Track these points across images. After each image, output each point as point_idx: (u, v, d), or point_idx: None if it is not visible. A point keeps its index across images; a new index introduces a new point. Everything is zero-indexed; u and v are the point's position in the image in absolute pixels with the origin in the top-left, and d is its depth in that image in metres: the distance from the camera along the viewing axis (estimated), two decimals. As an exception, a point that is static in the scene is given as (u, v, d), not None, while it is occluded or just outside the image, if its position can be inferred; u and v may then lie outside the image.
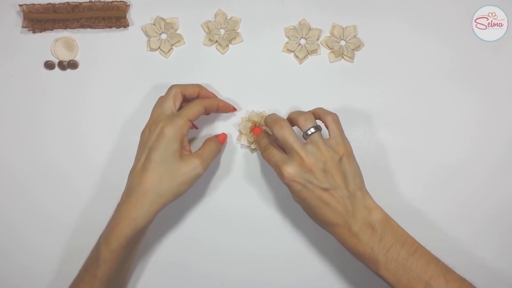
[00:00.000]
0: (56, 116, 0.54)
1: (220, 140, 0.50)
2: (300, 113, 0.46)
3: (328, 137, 0.45)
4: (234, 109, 0.53)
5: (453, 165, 0.53)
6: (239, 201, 0.53)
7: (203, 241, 0.53)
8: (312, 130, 0.44)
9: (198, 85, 0.50)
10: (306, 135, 0.44)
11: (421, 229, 0.53)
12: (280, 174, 0.44)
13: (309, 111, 0.47)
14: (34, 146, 0.53)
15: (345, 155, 0.44)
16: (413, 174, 0.53)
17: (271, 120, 0.46)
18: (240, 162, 0.54)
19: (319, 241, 0.53)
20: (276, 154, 0.45)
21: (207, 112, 0.49)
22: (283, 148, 0.45)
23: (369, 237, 0.43)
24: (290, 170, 0.43)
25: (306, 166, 0.43)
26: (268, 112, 0.53)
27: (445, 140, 0.54)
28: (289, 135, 0.44)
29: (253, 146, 0.52)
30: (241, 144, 0.53)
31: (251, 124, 0.51)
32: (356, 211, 0.44)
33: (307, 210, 0.45)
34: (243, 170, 0.54)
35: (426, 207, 0.53)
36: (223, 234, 0.53)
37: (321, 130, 0.45)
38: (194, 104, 0.47)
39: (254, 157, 0.54)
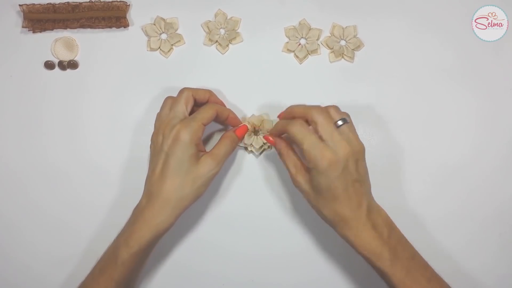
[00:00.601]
0: (56, 116, 0.54)
1: (238, 135, 0.49)
2: (329, 106, 0.45)
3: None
4: (244, 127, 0.51)
5: (454, 164, 0.53)
6: (239, 201, 0.53)
7: (203, 241, 0.53)
8: (341, 122, 0.44)
9: (209, 91, 0.49)
10: (336, 126, 0.44)
11: (421, 229, 0.53)
12: (321, 156, 0.42)
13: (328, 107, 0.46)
14: (34, 146, 0.53)
15: (364, 151, 0.45)
16: (414, 173, 0.53)
17: (304, 106, 0.45)
18: (240, 162, 0.53)
19: (320, 241, 0.53)
20: (314, 135, 0.43)
21: (217, 118, 0.48)
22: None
23: (380, 234, 0.44)
24: (331, 153, 0.42)
25: (345, 154, 0.43)
26: (271, 113, 0.52)
27: (445, 140, 0.54)
28: (329, 120, 0.43)
29: (249, 148, 0.52)
30: (238, 146, 0.53)
31: (249, 126, 0.51)
32: (371, 208, 0.44)
33: (327, 201, 0.44)
34: (244, 170, 0.53)
35: (426, 207, 0.53)
36: (223, 234, 0.53)
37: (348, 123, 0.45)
38: (208, 108, 0.47)
39: (254, 157, 0.53)
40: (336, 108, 0.45)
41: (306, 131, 0.43)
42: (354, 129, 0.45)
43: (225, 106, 0.51)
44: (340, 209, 0.43)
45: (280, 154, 0.47)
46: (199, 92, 0.48)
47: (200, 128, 0.45)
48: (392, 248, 0.43)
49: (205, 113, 0.46)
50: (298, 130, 0.44)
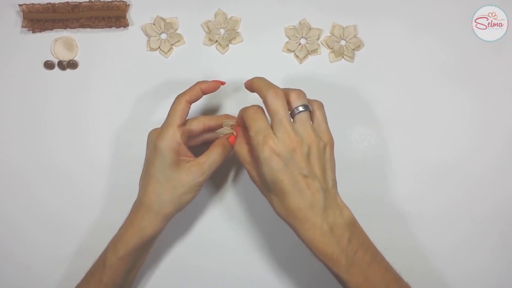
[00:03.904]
0: (56, 116, 0.54)
1: (231, 142, 0.46)
2: (293, 89, 0.42)
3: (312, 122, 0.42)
4: (222, 83, 0.48)
5: (454, 164, 0.53)
6: (240, 200, 0.53)
7: (203, 240, 0.53)
8: (301, 108, 0.41)
9: (197, 85, 0.46)
10: (294, 113, 0.41)
11: (421, 228, 0.53)
12: (263, 143, 0.39)
13: (289, 90, 0.42)
14: (34, 145, 0.53)
15: (329, 144, 0.42)
16: (413, 173, 0.53)
17: (264, 83, 0.42)
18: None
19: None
20: (263, 122, 0.41)
21: (194, 101, 0.46)
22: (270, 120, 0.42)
23: (339, 238, 0.40)
24: (274, 142, 0.39)
25: (292, 145, 0.39)
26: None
27: (446, 140, 0.54)
28: (282, 106, 0.40)
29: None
30: None
31: (228, 131, 0.47)
32: (329, 208, 0.41)
33: (277, 197, 0.41)
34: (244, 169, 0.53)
35: (426, 206, 0.53)
36: (223, 233, 0.53)
37: (310, 111, 0.42)
38: (175, 105, 0.44)
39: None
40: (299, 93, 0.42)
41: (257, 116, 0.41)
42: (310, 122, 0.42)
43: (216, 83, 0.47)
44: (292, 205, 0.40)
45: (234, 150, 0.45)
46: (193, 95, 0.46)
47: (176, 132, 0.43)
48: (351, 254, 0.40)
49: (174, 115, 0.44)
50: (249, 114, 0.42)
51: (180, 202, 0.44)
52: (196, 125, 0.47)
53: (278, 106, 0.40)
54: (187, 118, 0.47)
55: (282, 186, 0.40)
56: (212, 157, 0.44)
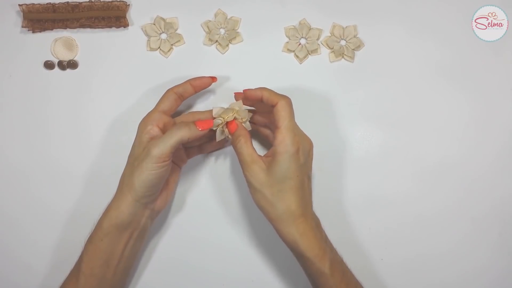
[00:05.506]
0: (56, 116, 0.54)
1: (197, 125, 0.44)
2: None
3: (280, 123, 0.43)
4: (213, 79, 0.49)
5: (454, 163, 0.53)
6: (239, 200, 0.53)
7: (203, 240, 0.53)
8: None
9: (188, 82, 0.48)
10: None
11: (421, 228, 0.53)
12: (293, 137, 0.42)
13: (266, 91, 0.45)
14: (34, 145, 0.53)
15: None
16: (413, 172, 0.53)
17: (274, 92, 0.44)
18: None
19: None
20: (295, 122, 0.44)
21: (185, 96, 0.48)
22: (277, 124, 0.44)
23: (322, 233, 0.44)
24: (299, 141, 0.43)
25: (309, 146, 0.44)
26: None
27: (446, 139, 0.54)
28: (293, 112, 0.44)
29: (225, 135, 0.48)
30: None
31: (221, 122, 0.46)
32: (312, 210, 0.45)
33: (281, 193, 0.43)
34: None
35: (426, 206, 0.53)
36: (223, 233, 0.53)
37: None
38: (164, 94, 0.47)
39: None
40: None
41: (292, 111, 0.44)
42: None
43: (207, 79, 0.49)
44: (293, 203, 0.43)
45: (237, 141, 0.45)
46: (181, 88, 0.48)
47: (155, 114, 0.46)
48: (330, 250, 0.44)
49: (161, 100, 0.47)
50: (290, 104, 0.44)
51: (143, 179, 0.43)
52: (185, 119, 0.48)
53: (292, 112, 0.44)
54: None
55: (294, 183, 0.42)
56: (170, 132, 0.44)
